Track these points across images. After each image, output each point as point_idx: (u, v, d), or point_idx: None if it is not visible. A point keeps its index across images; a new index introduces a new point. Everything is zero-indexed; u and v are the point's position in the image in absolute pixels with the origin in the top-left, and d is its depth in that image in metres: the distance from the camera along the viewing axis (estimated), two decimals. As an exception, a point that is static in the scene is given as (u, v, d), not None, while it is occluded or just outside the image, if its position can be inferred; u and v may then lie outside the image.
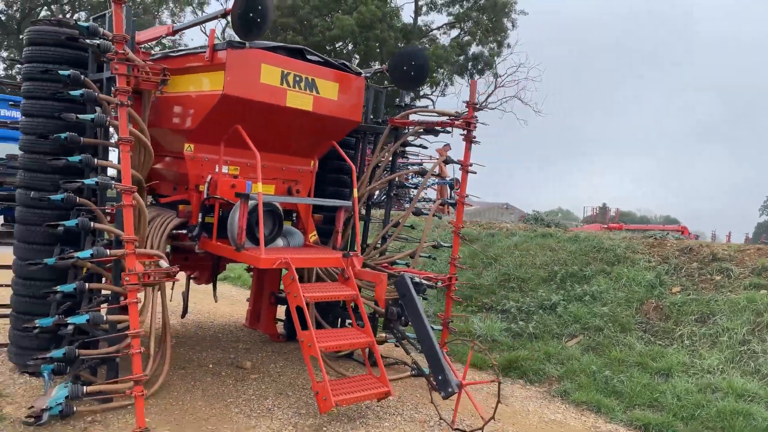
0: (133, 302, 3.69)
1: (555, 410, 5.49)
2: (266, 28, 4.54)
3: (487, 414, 4.62)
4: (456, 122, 5.67)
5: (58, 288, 4.16)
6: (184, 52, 5.31)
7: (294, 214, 6.03)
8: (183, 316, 7.06)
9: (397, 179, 6.60)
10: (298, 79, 5.23)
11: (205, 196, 5.23)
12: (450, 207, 20.90)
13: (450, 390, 4.54)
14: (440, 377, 4.61)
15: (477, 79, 35.79)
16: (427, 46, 34.13)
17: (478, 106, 5.64)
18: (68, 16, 36.09)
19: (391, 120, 6.18)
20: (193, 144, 5.26)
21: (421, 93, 35.41)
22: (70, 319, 4.03)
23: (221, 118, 5.04)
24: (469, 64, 36.24)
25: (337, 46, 32.83)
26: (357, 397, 4.58)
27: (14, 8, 36.71)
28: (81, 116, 4.19)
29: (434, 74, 33.27)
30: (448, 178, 20.42)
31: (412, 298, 4.93)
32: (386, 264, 6.14)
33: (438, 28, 37.40)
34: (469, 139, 5.61)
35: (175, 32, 5.31)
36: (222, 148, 5.21)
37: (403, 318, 5.01)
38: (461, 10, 35.08)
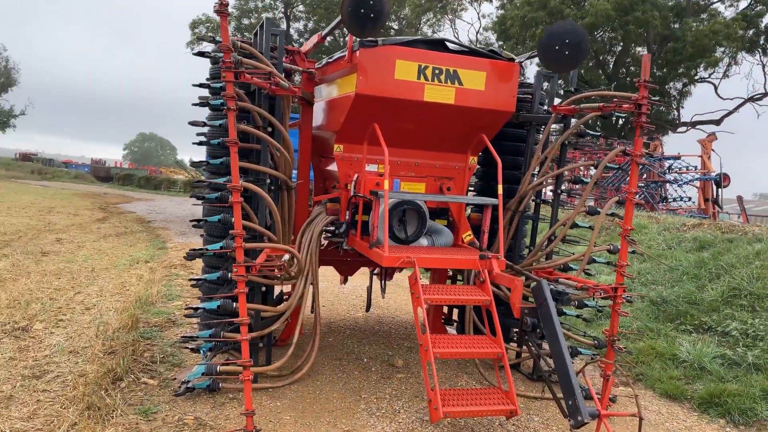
0: (242, 292, 3.97)
1: (753, 466, 4.28)
2: (382, 23, 4.46)
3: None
4: (623, 105, 4.80)
5: (205, 276, 4.71)
6: (336, 57, 5.54)
7: (449, 213, 5.83)
8: (367, 310, 7.37)
9: (567, 174, 5.88)
10: (437, 71, 5.02)
11: (351, 194, 5.38)
12: (717, 207, 17.89)
13: (579, 419, 3.87)
14: (570, 402, 3.97)
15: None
16: (704, 21, 29.79)
17: (652, 83, 4.69)
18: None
19: (553, 107, 5.52)
20: (342, 144, 5.45)
21: (696, 77, 31.03)
22: (201, 305, 4.53)
23: (360, 117, 5.12)
24: (761, 38, 30.57)
25: (595, 34, 30.69)
26: (471, 411, 4.20)
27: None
28: (209, 122, 4.66)
29: (713, 54, 28.87)
30: (713, 173, 17.57)
31: (548, 308, 4.34)
32: (550, 269, 5.53)
33: (721, 0, 32.34)
34: (640, 124, 4.69)
35: (323, 39, 5.57)
36: (365, 146, 5.28)
37: (539, 330, 4.44)
38: (752, -24, 29.83)
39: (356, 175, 5.41)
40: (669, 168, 17.35)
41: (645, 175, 18.64)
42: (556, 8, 28.73)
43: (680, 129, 32.94)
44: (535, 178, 5.75)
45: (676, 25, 30.04)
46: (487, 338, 4.68)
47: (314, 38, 5.74)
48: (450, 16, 39.53)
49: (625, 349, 5.28)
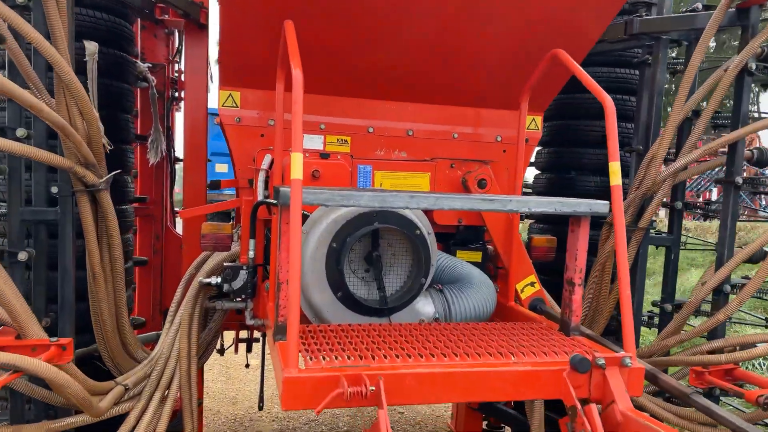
0: None
1: None
2: None
3: None
4: None
5: None
6: None
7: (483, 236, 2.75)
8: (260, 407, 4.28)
9: (754, 148, 2.69)
10: None
11: (258, 198, 2.39)
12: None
13: None
14: None
15: None
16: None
17: None
18: None
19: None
20: (235, 90, 2.46)
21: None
22: None
23: (252, 9, 2.12)
24: None
25: None
26: None
27: None
28: None
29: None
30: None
31: None
32: (732, 365, 2.33)
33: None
34: None
35: None
36: (280, 90, 2.22)
37: None
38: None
39: (268, 158, 2.41)
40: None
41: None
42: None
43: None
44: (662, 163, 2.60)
45: None
46: None
47: None
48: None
49: None
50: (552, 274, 3.07)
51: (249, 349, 4.10)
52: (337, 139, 2.57)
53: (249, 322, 2.44)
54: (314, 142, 2.54)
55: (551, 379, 1.72)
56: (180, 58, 3.76)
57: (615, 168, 1.90)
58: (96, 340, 2.42)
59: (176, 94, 3.70)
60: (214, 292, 2.68)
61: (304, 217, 2.26)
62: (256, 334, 4.01)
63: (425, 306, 2.32)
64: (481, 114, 2.71)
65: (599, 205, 1.99)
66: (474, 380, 1.66)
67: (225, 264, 2.44)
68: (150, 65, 3.25)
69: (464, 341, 1.92)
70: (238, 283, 2.38)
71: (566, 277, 2.10)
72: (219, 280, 2.43)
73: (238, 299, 2.41)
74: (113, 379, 2.36)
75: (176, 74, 3.71)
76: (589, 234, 2.11)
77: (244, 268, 2.38)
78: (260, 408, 4.19)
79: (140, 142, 3.48)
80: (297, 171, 1.66)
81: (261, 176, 2.38)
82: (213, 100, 3.17)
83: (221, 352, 4.01)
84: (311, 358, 1.70)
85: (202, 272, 2.60)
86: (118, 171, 2.25)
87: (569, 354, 1.79)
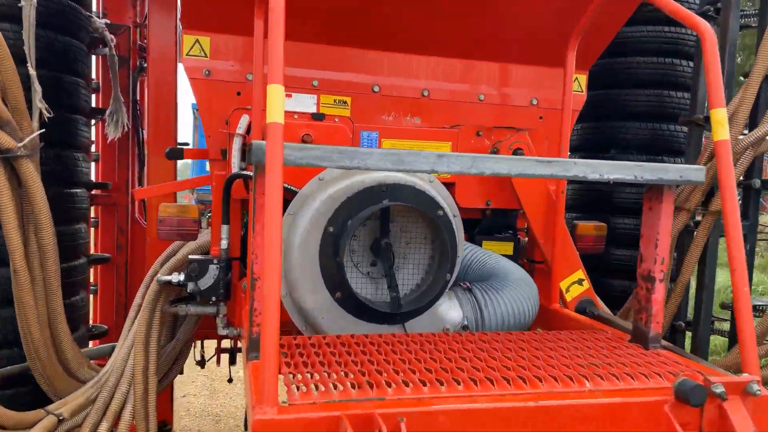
0: None
1: None
2: None
3: None
4: None
5: None
6: None
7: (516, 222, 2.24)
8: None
9: None
10: None
11: (233, 169, 1.86)
12: None
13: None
14: None
15: None
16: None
17: None
18: None
19: None
20: (205, 34, 1.94)
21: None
22: None
23: None
24: None
25: None
26: None
27: None
28: None
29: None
30: None
31: None
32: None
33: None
34: None
35: None
36: (259, 34, 1.68)
37: None
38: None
39: (245, 120, 1.88)
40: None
41: None
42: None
43: None
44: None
45: None
46: None
47: None
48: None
49: None
50: (593, 272, 2.55)
51: (232, 362, 3.57)
52: (335, 100, 2.05)
53: (221, 331, 1.91)
54: (305, 103, 2.01)
55: (647, 414, 1.19)
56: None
57: (719, 117, 1.38)
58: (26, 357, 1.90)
59: (144, 64, 3.18)
60: (183, 293, 2.16)
61: (292, 194, 1.74)
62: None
63: (450, 310, 1.79)
64: (512, 71, 2.19)
65: (692, 171, 1.46)
66: (541, 419, 1.12)
67: (190, 257, 1.91)
68: (107, 22, 2.73)
69: (512, 358, 1.39)
70: (206, 282, 1.85)
71: (642, 271, 1.57)
72: (182, 277, 1.90)
73: (208, 302, 1.89)
74: (44, 407, 1.83)
75: (146, 41, 3.19)
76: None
77: (215, 262, 1.85)
78: (246, 428, 3.67)
79: (100, 118, 2.96)
80: (275, 113, 1.14)
81: (236, 143, 1.86)
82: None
83: (202, 364, 3.49)
84: (298, 387, 1.17)
85: (165, 268, 2.06)
86: (42, 131, 1.72)
87: (665, 377, 1.27)
